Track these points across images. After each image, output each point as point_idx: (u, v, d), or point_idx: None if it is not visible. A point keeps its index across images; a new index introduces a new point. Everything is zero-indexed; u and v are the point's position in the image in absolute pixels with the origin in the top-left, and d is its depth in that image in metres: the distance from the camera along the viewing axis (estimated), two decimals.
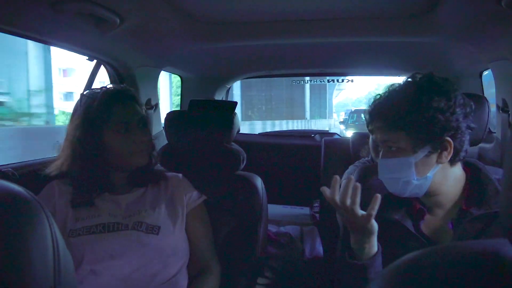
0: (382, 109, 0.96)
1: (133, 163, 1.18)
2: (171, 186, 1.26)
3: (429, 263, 0.35)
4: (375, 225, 0.93)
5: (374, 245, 0.96)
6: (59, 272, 0.43)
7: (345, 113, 14.55)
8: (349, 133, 10.11)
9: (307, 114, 22.03)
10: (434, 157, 0.94)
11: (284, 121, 18.41)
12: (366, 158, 1.87)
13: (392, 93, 0.97)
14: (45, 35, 1.36)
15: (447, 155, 0.93)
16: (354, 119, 13.23)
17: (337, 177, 0.93)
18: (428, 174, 0.94)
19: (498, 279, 0.32)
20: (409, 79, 0.97)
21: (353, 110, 15.19)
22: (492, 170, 1.00)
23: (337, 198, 0.91)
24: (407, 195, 0.97)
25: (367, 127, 1.04)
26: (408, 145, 0.93)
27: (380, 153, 1.00)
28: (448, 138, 0.92)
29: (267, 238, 1.46)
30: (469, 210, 0.94)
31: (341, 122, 13.79)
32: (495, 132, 1.96)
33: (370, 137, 1.74)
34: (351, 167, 1.82)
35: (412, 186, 0.95)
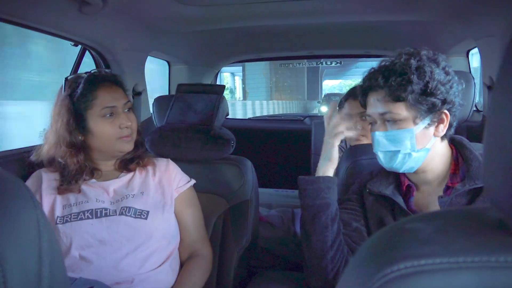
0: (383, 79, 0.93)
1: (119, 148, 1.17)
2: (159, 170, 1.25)
3: (413, 227, 0.35)
4: (335, 153, 1.01)
5: (329, 171, 1.01)
6: (45, 254, 0.43)
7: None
8: (322, 108, 16.20)
9: None
10: (432, 129, 0.94)
11: None
12: (341, 144, 1.87)
13: (393, 64, 0.94)
14: (28, 20, 1.33)
15: (443, 128, 0.95)
16: (326, 99, 19.09)
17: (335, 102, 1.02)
18: (427, 147, 0.94)
19: (481, 239, 0.32)
20: (406, 53, 0.95)
21: (326, 93, 22.51)
22: (477, 146, 1.01)
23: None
24: (403, 169, 0.97)
25: (361, 102, 1.03)
26: (409, 117, 0.92)
27: (373, 127, 0.99)
28: (446, 111, 0.93)
29: (258, 221, 1.47)
30: (455, 186, 0.95)
31: (317, 102, 20.54)
32: (482, 111, 1.98)
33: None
34: None
35: (411, 159, 0.94)
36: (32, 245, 0.42)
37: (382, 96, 0.93)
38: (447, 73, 0.92)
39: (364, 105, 1.02)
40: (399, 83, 0.90)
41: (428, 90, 0.90)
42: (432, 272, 0.31)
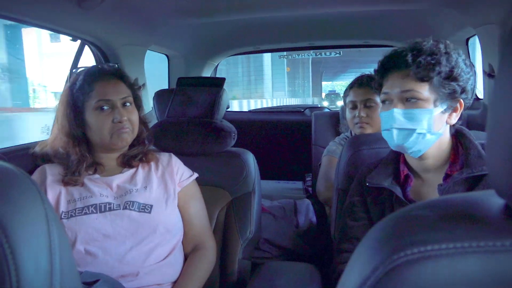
0: (412, 57, 0.92)
1: (113, 143, 1.15)
2: (162, 165, 1.25)
3: (419, 214, 0.36)
4: None
5: None
6: (55, 247, 0.44)
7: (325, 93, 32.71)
8: (324, 103, 22.84)
9: None
10: (446, 116, 0.95)
11: None
12: (346, 133, 1.88)
13: (421, 45, 0.93)
14: (26, 15, 1.33)
15: (455, 117, 0.96)
16: (327, 96, 28.37)
17: None
18: (440, 131, 0.95)
19: (486, 224, 0.33)
20: (433, 39, 0.95)
21: (327, 93, 31.14)
22: (478, 134, 1.02)
23: None
24: (412, 151, 0.97)
25: (378, 78, 1.01)
26: (430, 98, 0.92)
27: (384, 106, 0.99)
28: (461, 100, 0.94)
29: (261, 212, 1.48)
30: (453, 175, 0.96)
31: (322, 98, 29.34)
32: (482, 99, 1.98)
33: (347, 110, 1.74)
34: (331, 143, 1.83)
35: (423, 141, 0.94)
36: (42, 238, 0.43)
37: (407, 74, 0.93)
38: (466, 66, 0.94)
39: (378, 86, 1.02)
40: (428, 62, 0.91)
41: (453, 75, 0.91)
42: (438, 257, 0.31)
